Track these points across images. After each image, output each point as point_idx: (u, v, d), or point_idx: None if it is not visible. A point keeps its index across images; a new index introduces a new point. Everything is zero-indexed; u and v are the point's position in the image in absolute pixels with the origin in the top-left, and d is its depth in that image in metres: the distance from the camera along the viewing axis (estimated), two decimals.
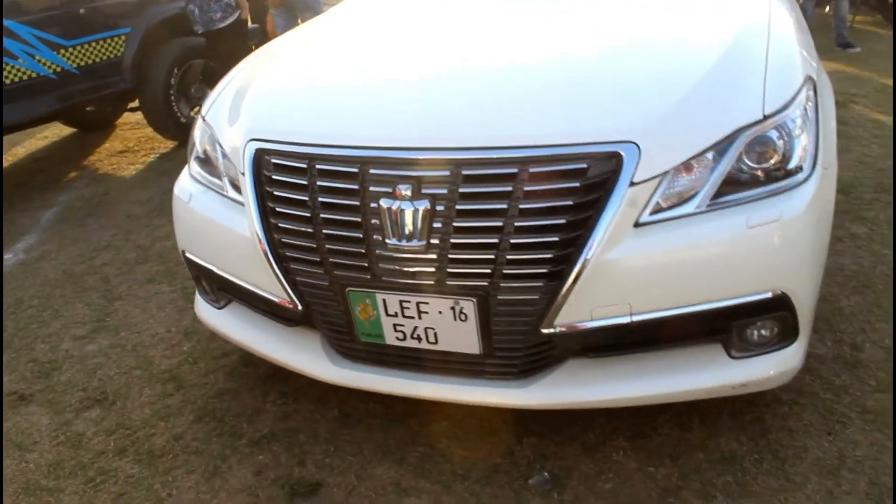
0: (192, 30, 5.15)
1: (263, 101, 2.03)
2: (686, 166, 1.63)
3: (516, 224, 1.60)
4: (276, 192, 1.83)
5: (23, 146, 5.85)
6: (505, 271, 1.62)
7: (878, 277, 2.66)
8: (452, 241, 1.64)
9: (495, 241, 1.61)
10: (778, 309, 1.70)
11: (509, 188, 1.60)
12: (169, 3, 5.34)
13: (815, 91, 1.86)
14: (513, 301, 1.65)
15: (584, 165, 1.59)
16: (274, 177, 1.84)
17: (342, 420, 2.16)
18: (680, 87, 1.70)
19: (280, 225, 1.82)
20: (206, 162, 2.13)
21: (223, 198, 2.02)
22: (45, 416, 2.34)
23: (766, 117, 1.68)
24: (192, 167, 2.18)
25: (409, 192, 1.65)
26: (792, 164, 1.70)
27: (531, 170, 1.60)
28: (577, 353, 1.78)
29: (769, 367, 1.77)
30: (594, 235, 1.57)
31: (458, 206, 1.63)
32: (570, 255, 1.59)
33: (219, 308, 2.23)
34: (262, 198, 1.86)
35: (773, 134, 1.69)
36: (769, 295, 1.66)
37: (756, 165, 1.68)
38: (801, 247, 1.66)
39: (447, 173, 1.64)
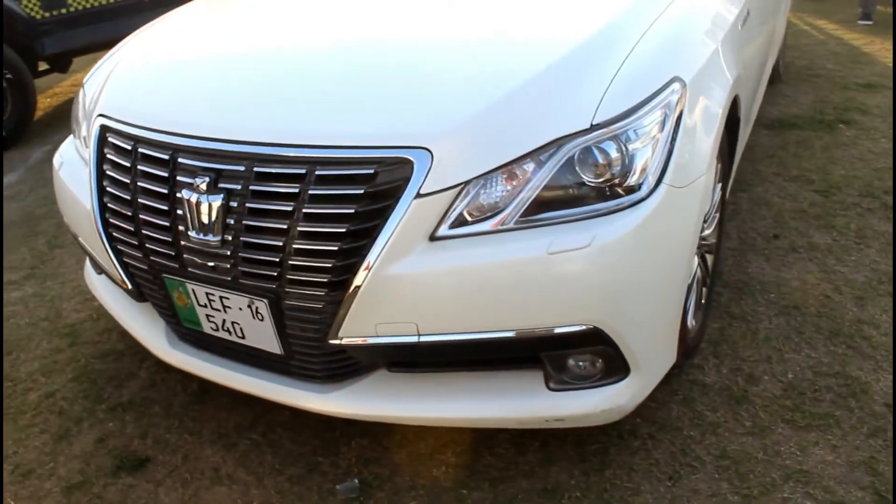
0: None
1: (118, 76, 1.98)
2: (494, 178, 1.48)
3: (300, 228, 1.50)
4: (108, 171, 1.80)
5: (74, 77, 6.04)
6: (289, 276, 1.54)
7: (816, 298, 2.41)
8: (243, 239, 1.57)
9: (281, 243, 1.53)
10: (593, 343, 1.55)
11: (296, 189, 1.51)
12: None
13: (685, 95, 1.64)
14: (300, 307, 1.57)
15: (371, 171, 1.47)
16: (108, 155, 1.81)
17: (198, 396, 2.16)
18: (495, 88, 1.53)
19: (109, 205, 1.80)
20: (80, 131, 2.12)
21: (85, 169, 2.01)
22: None
23: (594, 127, 1.50)
24: (73, 135, 2.18)
25: (205, 185, 1.58)
26: (630, 182, 1.53)
27: (318, 172, 1.49)
28: (386, 364, 1.69)
29: (592, 404, 1.63)
30: (376, 247, 1.46)
31: (248, 204, 1.55)
32: (352, 266, 1.49)
33: (98, 273, 2.25)
34: (100, 175, 1.83)
35: (609, 146, 1.52)
36: (580, 327, 1.51)
37: (586, 180, 1.51)
38: (618, 277, 1.49)
39: (242, 168, 1.56)
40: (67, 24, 4.77)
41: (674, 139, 1.59)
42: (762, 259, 2.66)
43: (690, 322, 2.03)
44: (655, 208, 1.53)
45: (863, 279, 2.51)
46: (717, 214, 2.25)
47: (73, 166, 2.05)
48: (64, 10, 4.74)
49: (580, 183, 1.51)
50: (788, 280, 2.52)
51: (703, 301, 2.21)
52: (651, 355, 1.67)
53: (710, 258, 2.27)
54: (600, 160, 1.51)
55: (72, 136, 2.22)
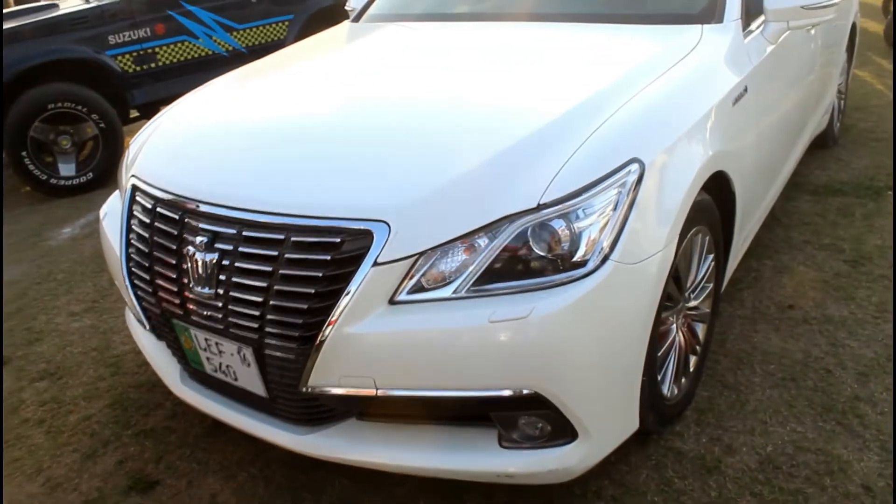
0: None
1: (151, 143, 2.26)
2: (448, 249, 1.63)
3: (276, 288, 1.70)
4: (133, 226, 2.07)
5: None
6: (268, 329, 1.73)
7: (816, 372, 2.40)
8: (232, 294, 1.77)
9: (261, 299, 1.72)
10: (537, 407, 1.66)
11: (276, 253, 1.70)
12: None
13: (642, 176, 1.74)
14: (277, 357, 1.75)
15: (338, 239, 1.65)
16: (135, 211, 2.07)
17: (211, 430, 2.37)
18: (452, 167, 1.69)
19: (133, 255, 2.05)
20: None
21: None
22: (9, 380, 2.77)
23: (541, 206, 1.63)
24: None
25: (203, 244, 1.80)
26: (576, 257, 1.64)
27: (293, 238, 1.69)
28: (358, 412, 1.84)
29: (540, 464, 1.73)
30: (338, 307, 1.64)
31: (237, 263, 1.76)
32: (319, 323, 1.66)
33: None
34: (128, 228, 2.10)
35: (559, 223, 1.64)
36: (521, 392, 1.63)
37: (536, 254, 1.64)
38: (557, 347, 1.60)
39: (234, 231, 1.77)
40: (156, 77, 5.32)
41: (626, 218, 1.70)
42: (771, 329, 2.66)
43: (668, 390, 2.09)
44: (600, 283, 1.63)
45: (871, 355, 2.48)
46: (711, 285, 2.30)
47: (114, 217, 2.33)
48: (153, 65, 5.30)
49: (530, 256, 1.64)
50: (793, 352, 2.52)
51: (690, 369, 2.26)
52: (603, 422, 1.75)
53: (701, 327, 2.32)
54: (549, 236, 1.64)
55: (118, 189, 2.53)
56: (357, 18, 3.21)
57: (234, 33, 5.60)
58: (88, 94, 4.94)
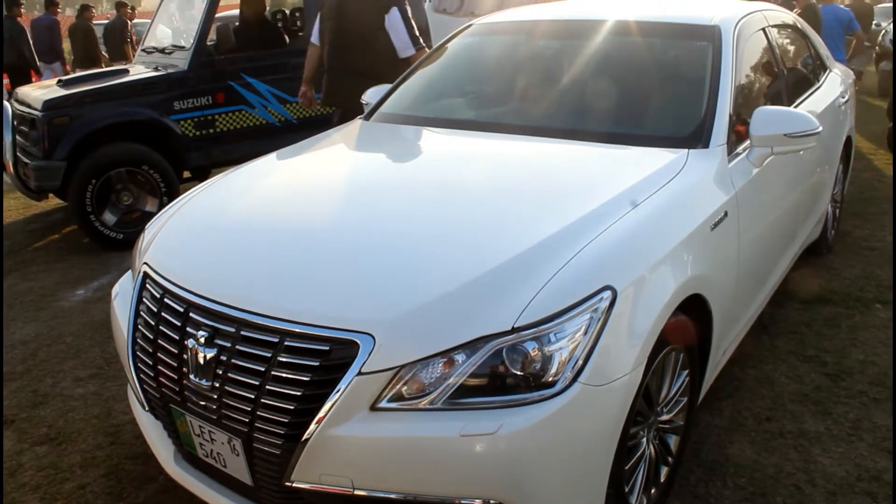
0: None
1: (164, 232, 2.43)
2: (428, 363, 1.76)
3: (268, 386, 1.83)
4: (141, 310, 2.21)
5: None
6: (257, 424, 1.85)
7: (786, 488, 2.48)
8: (226, 388, 1.90)
9: (253, 396, 1.85)
10: None
11: (269, 354, 1.84)
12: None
13: (614, 301, 1.87)
14: (263, 451, 1.87)
15: (327, 347, 1.78)
16: (143, 298, 2.23)
17: None
18: (435, 288, 1.83)
19: (137, 339, 2.20)
20: None
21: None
22: (10, 442, 2.88)
23: (515, 329, 1.76)
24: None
25: (204, 339, 1.94)
26: (546, 377, 1.77)
27: (286, 342, 1.82)
28: None
29: None
30: (322, 410, 1.76)
31: (233, 360, 1.89)
32: (304, 423, 1.78)
33: None
34: (137, 313, 2.24)
35: (531, 345, 1.77)
36: (490, 502, 1.73)
37: (509, 372, 1.77)
38: (523, 462, 1.71)
39: (233, 330, 1.91)
40: (213, 142, 5.76)
41: (596, 342, 1.82)
42: (746, 441, 2.74)
43: (637, 501, 2.18)
44: (567, 403, 1.75)
45: (842, 474, 2.55)
46: (685, 399, 2.40)
47: (125, 297, 2.49)
48: (212, 130, 5.74)
49: (504, 374, 1.77)
50: (765, 466, 2.60)
51: (661, 479, 2.35)
52: None
53: (674, 438, 2.41)
54: (522, 357, 1.77)
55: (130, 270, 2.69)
56: (368, 116, 3.42)
57: (287, 105, 6.04)
58: (156, 158, 5.38)
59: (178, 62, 5.66)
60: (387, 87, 3.59)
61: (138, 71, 5.78)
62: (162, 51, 6.01)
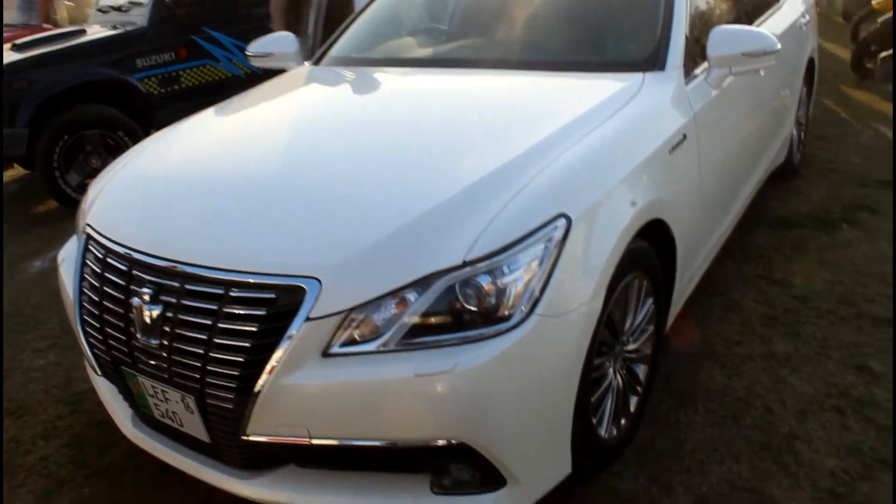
0: None
1: (106, 191, 2.32)
2: (379, 304, 1.70)
3: (216, 340, 1.76)
4: (86, 273, 2.12)
5: None
6: (208, 379, 1.79)
7: (757, 409, 2.47)
8: (175, 345, 1.83)
9: (202, 351, 1.78)
10: (464, 455, 1.72)
11: (215, 306, 1.77)
12: None
13: (569, 230, 1.81)
14: (217, 406, 1.81)
15: (273, 295, 1.71)
16: (87, 259, 2.13)
17: (165, 469, 2.39)
18: (381, 226, 1.76)
19: (83, 302, 2.11)
20: None
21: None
22: None
23: (466, 263, 1.70)
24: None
25: (148, 296, 1.86)
26: (501, 311, 1.71)
27: (232, 293, 1.75)
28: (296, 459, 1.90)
29: None
30: (273, 360, 1.70)
31: (180, 315, 1.82)
32: (255, 375, 1.72)
33: None
34: (81, 276, 2.15)
35: (484, 279, 1.71)
36: (448, 442, 1.69)
37: (464, 308, 1.71)
38: (482, 399, 1.67)
39: (177, 284, 1.83)
40: (179, 99, 5.66)
41: (552, 272, 1.77)
42: (716, 366, 2.74)
43: (606, 431, 2.16)
44: (524, 336, 1.70)
45: (811, 392, 2.56)
46: (651, 327, 2.37)
47: (70, 263, 2.39)
48: (177, 87, 5.66)
49: (457, 311, 1.71)
50: (736, 389, 2.59)
51: (631, 409, 2.33)
52: (532, 468, 1.82)
53: (643, 368, 2.39)
54: (475, 291, 1.71)
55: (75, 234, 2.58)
56: (317, 61, 3.29)
57: None
58: (123, 118, 5.27)
59: (137, 19, 5.54)
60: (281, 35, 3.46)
61: (96, 31, 5.62)
62: (118, 8, 5.83)
